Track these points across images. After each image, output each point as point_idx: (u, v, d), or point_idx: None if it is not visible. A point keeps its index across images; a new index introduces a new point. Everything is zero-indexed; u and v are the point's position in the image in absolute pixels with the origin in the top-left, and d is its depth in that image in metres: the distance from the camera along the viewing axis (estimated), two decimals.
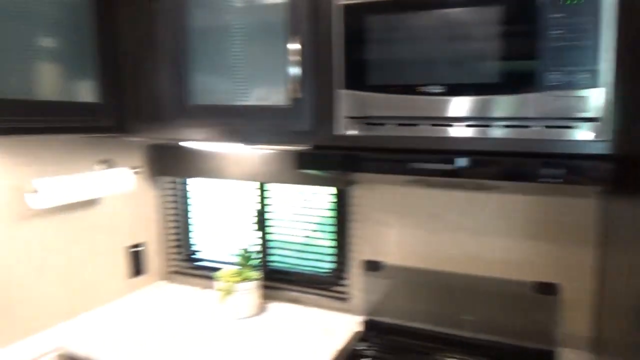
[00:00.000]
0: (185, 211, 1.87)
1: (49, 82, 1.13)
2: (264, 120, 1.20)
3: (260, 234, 1.74)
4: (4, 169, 1.31)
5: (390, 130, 1.07)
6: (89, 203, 1.58)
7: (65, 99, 1.17)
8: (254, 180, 1.66)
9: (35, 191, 1.30)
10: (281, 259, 1.74)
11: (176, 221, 1.87)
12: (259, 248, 1.74)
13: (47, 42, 1.12)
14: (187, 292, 1.80)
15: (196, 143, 1.41)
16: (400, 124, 1.06)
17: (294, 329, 1.48)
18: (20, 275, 1.38)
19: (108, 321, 1.53)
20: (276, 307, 1.65)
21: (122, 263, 1.73)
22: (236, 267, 1.61)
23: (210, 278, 1.80)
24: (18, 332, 1.38)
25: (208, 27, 1.23)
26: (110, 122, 1.30)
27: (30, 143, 1.38)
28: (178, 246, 1.88)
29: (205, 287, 1.82)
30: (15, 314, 1.37)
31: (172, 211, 1.87)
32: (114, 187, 1.54)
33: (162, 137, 1.34)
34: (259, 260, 1.72)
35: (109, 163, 1.63)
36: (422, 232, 1.46)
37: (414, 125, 1.04)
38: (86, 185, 1.44)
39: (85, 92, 1.23)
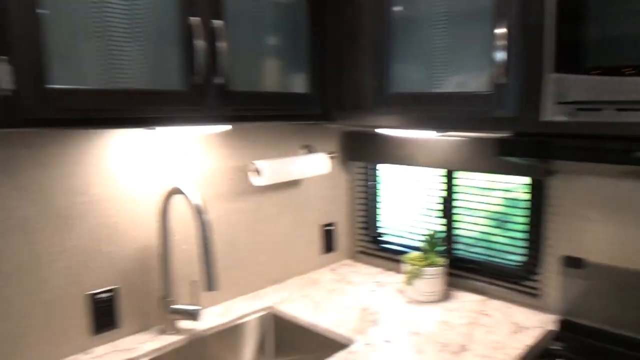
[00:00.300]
0: (374, 195, 1.97)
1: (271, 76, 1.31)
2: (462, 107, 1.21)
3: (445, 221, 1.76)
4: (232, 152, 1.56)
5: (606, 116, 0.98)
6: (293, 183, 1.77)
7: (283, 90, 1.34)
8: (443, 167, 1.68)
9: (258, 171, 1.52)
10: (467, 247, 1.73)
11: (364, 204, 1.99)
12: (444, 235, 1.75)
13: (271, 40, 1.29)
14: (371, 271, 1.90)
15: (391, 130, 1.48)
16: (619, 109, 0.97)
17: (480, 319, 1.47)
18: (240, 243, 1.62)
19: (307, 289, 1.71)
20: (460, 295, 1.64)
21: (317, 239, 1.90)
22: (422, 252, 1.65)
23: (393, 260, 1.88)
24: (237, 291, 1.63)
25: (410, 16, 1.28)
26: (317, 110, 1.44)
27: (249, 129, 1.60)
28: (365, 228, 2.00)
29: (388, 268, 1.91)
30: (235, 275, 1.62)
31: (362, 194, 1.99)
32: (313, 170, 1.71)
33: (360, 124, 1.44)
34: (444, 247, 1.73)
35: (309, 148, 1.80)
36: (636, 230, 1.31)
37: (638, 110, 0.94)
38: (293, 167, 1.62)
39: (298, 83, 1.38)
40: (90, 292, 1.27)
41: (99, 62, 0.95)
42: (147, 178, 1.36)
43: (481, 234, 1.69)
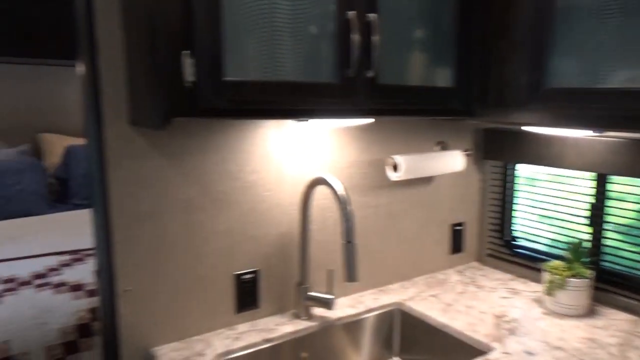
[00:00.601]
0: (510, 196, 1.86)
1: (417, 69, 1.28)
2: (635, 105, 1.08)
3: (593, 229, 1.61)
4: (366, 145, 1.56)
5: None
6: (425, 180, 1.74)
7: (427, 84, 1.31)
8: (595, 170, 1.53)
9: (396, 165, 1.51)
10: (618, 260, 1.56)
11: (498, 205, 1.89)
12: (590, 245, 1.61)
13: (418, 33, 1.26)
14: (502, 277, 1.80)
15: (538, 128, 1.38)
16: None
17: (634, 341, 1.32)
18: (370, 237, 1.63)
19: (435, 289, 1.67)
20: (608, 313, 1.49)
21: (445, 239, 1.85)
22: (565, 261, 1.53)
23: (527, 267, 1.77)
24: (366, 284, 1.64)
25: (575, 4, 1.18)
26: (460, 106, 1.39)
27: (385, 123, 1.60)
28: (497, 230, 1.90)
29: (520, 275, 1.79)
30: (365, 268, 1.63)
31: (496, 195, 1.89)
32: (448, 167, 1.66)
33: (506, 121, 1.36)
34: (591, 257, 1.59)
35: (443, 145, 1.75)
36: None
37: None
38: (429, 164, 1.59)
39: (442, 78, 1.34)
40: (237, 273, 1.36)
41: (263, 55, 1.00)
42: (293, 167, 1.42)
43: (636, 247, 1.52)
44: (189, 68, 0.91)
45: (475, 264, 1.95)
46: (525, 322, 1.43)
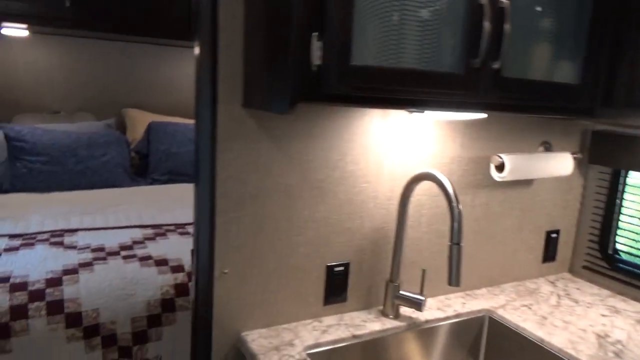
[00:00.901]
0: (619, 206, 1.71)
1: (541, 63, 1.18)
2: None
3: None
4: (468, 142, 1.48)
5: None
6: (525, 182, 1.63)
7: (550, 79, 1.20)
8: None
9: (502, 165, 1.42)
10: None
11: (602, 215, 1.74)
12: None
13: (546, 23, 1.16)
14: (598, 292, 1.67)
15: None
16: None
17: None
18: (463, 237, 1.55)
19: (526, 299, 1.57)
20: None
21: (539, 246, 1.73)
22: None
23: (629, 285, 1.63)
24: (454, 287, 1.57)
25: None
26: (583, 104, 1.27)
27: (491, 120, 1.50)
28: (597, 242, 1.76)
29: (620, 292, 1.65)
30: None
31: (599, 204, 1.75)
32: (554, 170, 1.54)
33: (634, 124, 1.24)
34: None
35: (547, 146, 1.63)
36: None
37: None
38: (536, 165, 1.48)
39: (567, 73, 1.23)
40: (329, 264, 1.32)
41: (390, 41, 0.94)
42: (394, 160, 1.36)
43: None
44: (317, 51, 0.86)
45: (567, 275, 1.82)
46: (632, 345, 1.31)
